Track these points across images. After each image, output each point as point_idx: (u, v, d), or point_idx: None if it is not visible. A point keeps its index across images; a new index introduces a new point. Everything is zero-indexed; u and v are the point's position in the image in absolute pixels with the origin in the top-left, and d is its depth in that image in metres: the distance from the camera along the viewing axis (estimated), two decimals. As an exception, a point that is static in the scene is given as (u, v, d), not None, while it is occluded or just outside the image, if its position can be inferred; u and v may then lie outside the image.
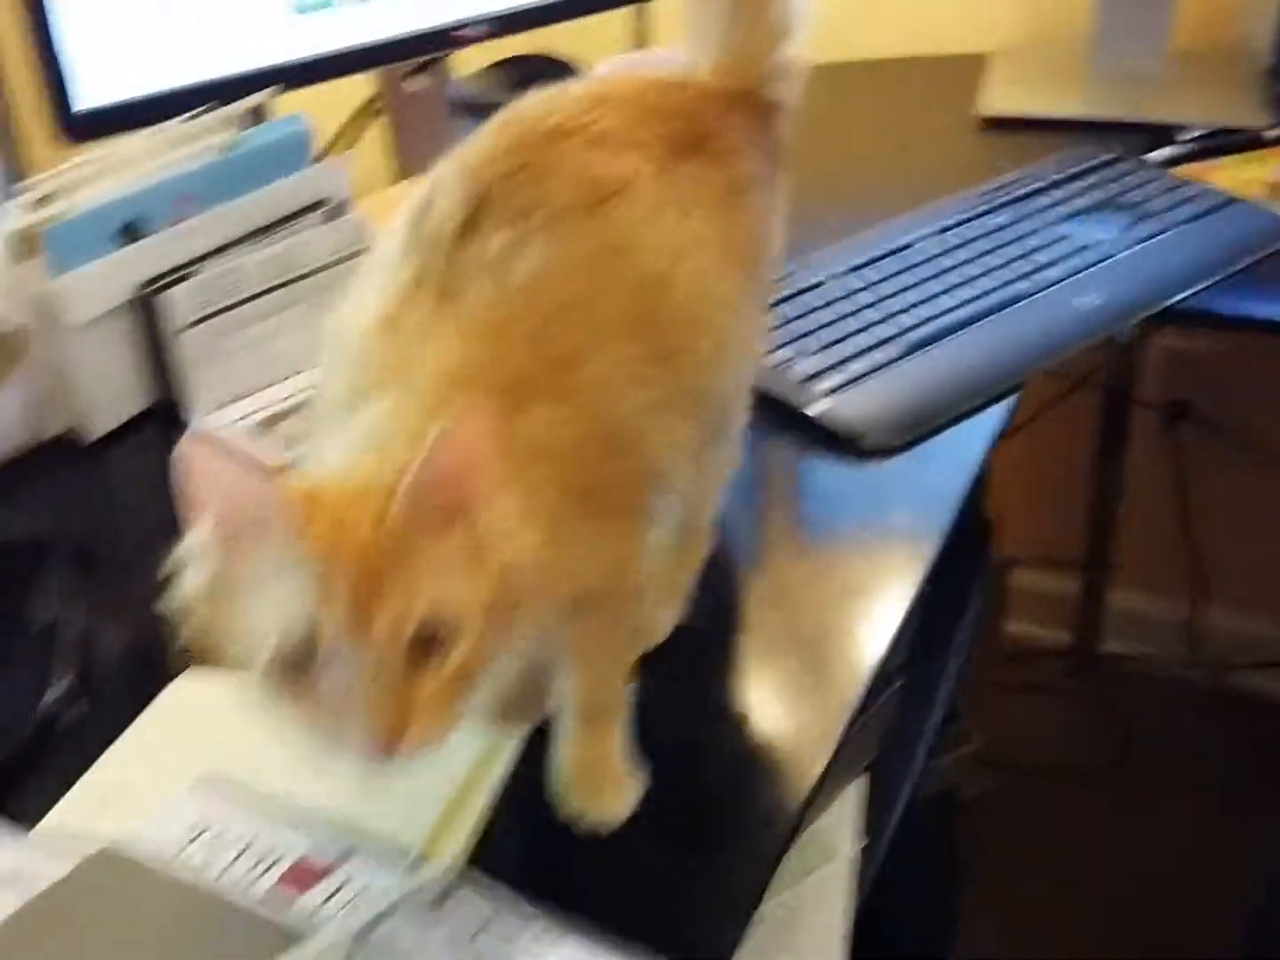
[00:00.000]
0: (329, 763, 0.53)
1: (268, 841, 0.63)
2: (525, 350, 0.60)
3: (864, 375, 1.00)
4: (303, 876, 0.61)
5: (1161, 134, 1.36)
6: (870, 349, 1.03)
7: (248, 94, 1.07)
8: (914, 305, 1.08)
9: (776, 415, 0.98)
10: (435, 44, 1.23)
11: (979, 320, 1.06)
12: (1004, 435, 1.72)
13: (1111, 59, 1.50)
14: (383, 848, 0.62)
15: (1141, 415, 1.81)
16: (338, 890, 0.60)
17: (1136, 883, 1.68)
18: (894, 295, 1.10)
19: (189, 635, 0.55)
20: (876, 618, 0.80)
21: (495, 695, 0.70)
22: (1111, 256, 1.13)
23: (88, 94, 1.02)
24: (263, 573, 0.52)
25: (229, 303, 1.02)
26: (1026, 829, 1.74)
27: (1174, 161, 1.32)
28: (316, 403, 0.64)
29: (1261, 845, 1.63)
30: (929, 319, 1.06)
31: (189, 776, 0.67)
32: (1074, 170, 1.28)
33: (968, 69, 1.54)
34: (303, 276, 1.04)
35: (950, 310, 1.07)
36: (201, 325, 1.01)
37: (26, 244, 0.93)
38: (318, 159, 1.10)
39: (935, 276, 1.12)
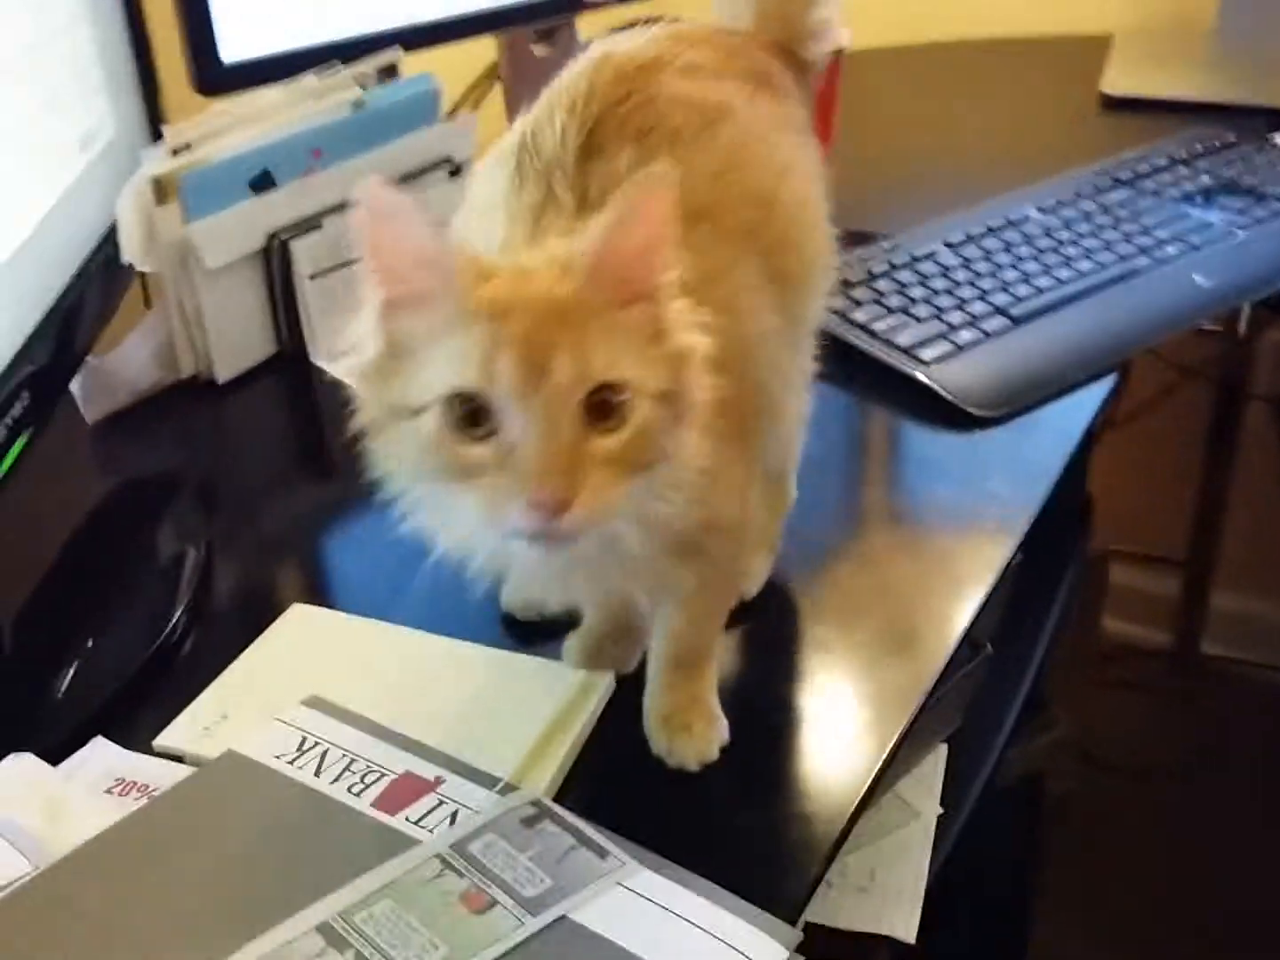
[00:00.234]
0: (495, 535, 0.54)
1: (371, 758, 0.66)
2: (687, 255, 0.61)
3: (971, 344, 1.01)
4: (404, 791, 0.63)
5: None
6: (980, 318, 1.03)
7: (378, 53, 1.10)
8: (1027, 277, 1.08)
9: (880, 380, 0.99)
10: (562, 8, 1.26)
11: (1090, 295, 1.06)
12: (1111, 425, 1.72)
13: (1235, 42, 1.48)
14: (477, 773, 0.65)
15: (1253, 410, 1.78)
16: (437, 806, 0.63)
17: (1225, 888, 1.66)
18: (1008, 267, 1.10)
19: (363, 407, 0.56)
20: (963, 586, 0.81)
21: (593, 635, 0.73)
22: (1227, 238, 1.12)
23: (229, 48, 1.06)
24: (437, 328, 0.53)
25: (352, 256, 1.05)
26: (1116, 828, 1.72)
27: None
28: None
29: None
30: (1041, 291, 1.06)
31: (296, 700, 0.71)
32: (1194, 151, 1.26)
33: (1093, 49, 1.53)
34: (425, 231, 1.07)
35: (1063, 283, 1.07)
36: (325, 276, 1.05)
37: (164, 190, 0.97)
38: (446, 119, 1.13)
39: (1050, 250, 1.12)
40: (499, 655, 0.75)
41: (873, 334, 1.02)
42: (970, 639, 0.87)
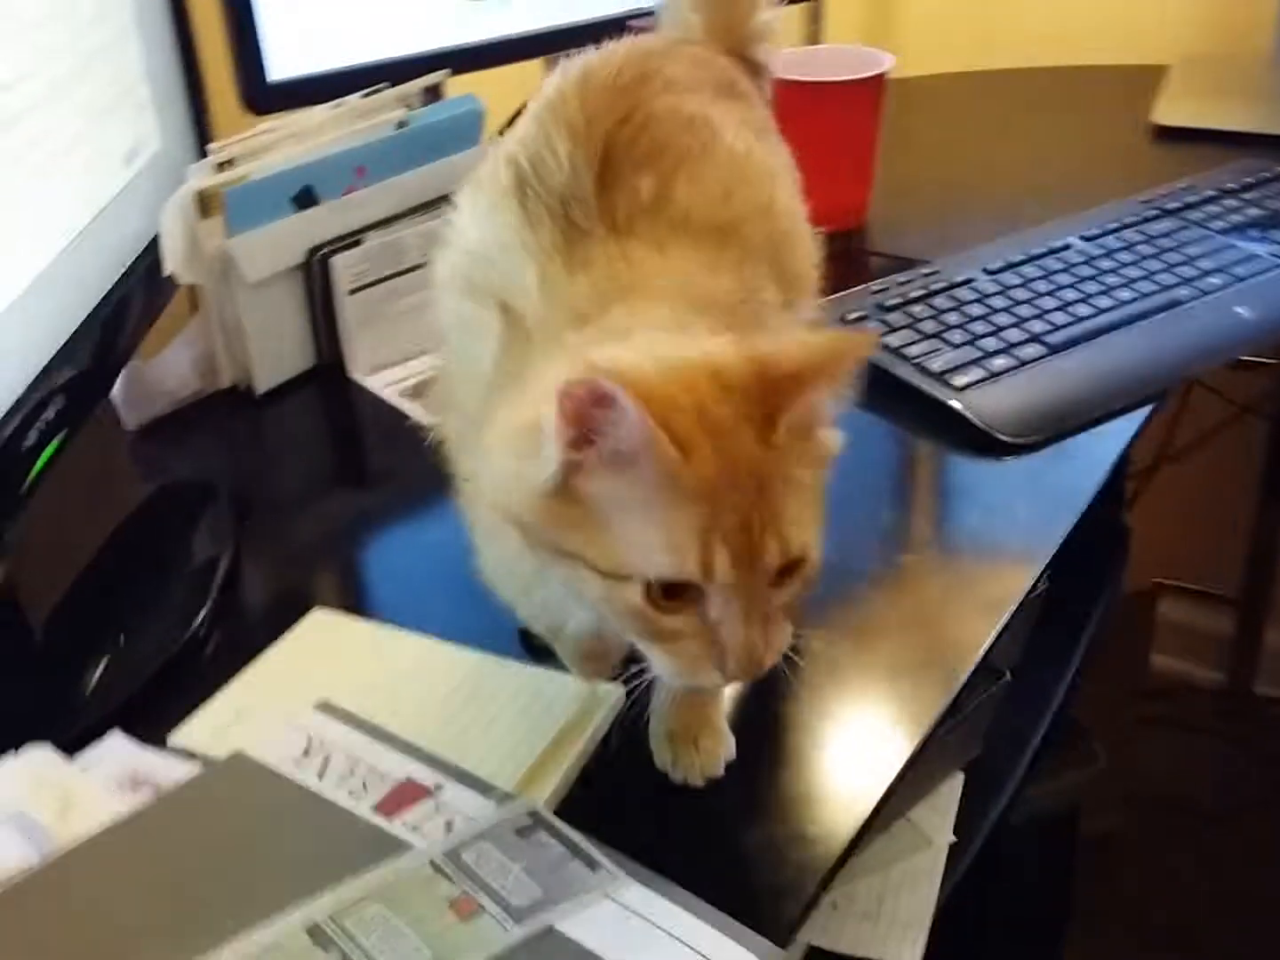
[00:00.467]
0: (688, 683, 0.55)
1: (373, 763, 0.66)
2: (724, 278, 0.63)
3: (1005, 371, 1.00)
4: (403, 797, 0.64)
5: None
6: (1015, 345, 1.03)
7: (424, 74, 1.12)
8: (1065, 305, 1.07)
9: (911, 405, 0.99)
10: (608, 33, 1.26)
11: (1129, 324, 1.05)
12: (1166, 459, 1.70)
13: (1290, 75, 1.46)
14: (476, 781, 0.65)
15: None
16: (434, 812, 0.63)
17: (1271, 932, 1.62)
18: (1046, 294, 1.09)
19: (500, 504, 0.55)
20: (983, 612, 0.80)
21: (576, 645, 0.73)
22: (1272, 270, 1.11)
23: (277, 67, 1.08)
24: (640, 497, 0.51)
25: (390, 272, 1.07)
26: (1158, 866, 1.69)
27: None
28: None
29: None
30: (1079, 319, 1.06)
31: (308, 703, 0.72)
32: (1243, 182, 1.25)
33: (1148, 79, 1.52)
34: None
35: (1101, 312, 1.06)
36: (364, 291, 1.07)
37: (208, 204, 0.99)
38: (490, 140, 1.15)
39: (1090, 278, 1.11)
40: (511, 666, 0.75)
41: (905, 358, 1.02)
42: (989, 666, 0.86)
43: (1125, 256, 1.14)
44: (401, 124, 1.08)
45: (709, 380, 0.52)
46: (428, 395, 1.04)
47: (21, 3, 0.80)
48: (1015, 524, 0.88)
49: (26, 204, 0.80)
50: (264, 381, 1.07)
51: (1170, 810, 1.72)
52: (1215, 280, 1.09)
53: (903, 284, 1.12)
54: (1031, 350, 1.02)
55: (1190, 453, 1.69)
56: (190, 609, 0.85)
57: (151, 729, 0.73)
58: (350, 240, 1.06)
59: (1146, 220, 1.19)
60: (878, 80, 1.23)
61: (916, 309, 1.08)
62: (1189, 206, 1.21)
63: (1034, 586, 0.83)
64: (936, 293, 1.10)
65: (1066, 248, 1.16)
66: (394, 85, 1.11)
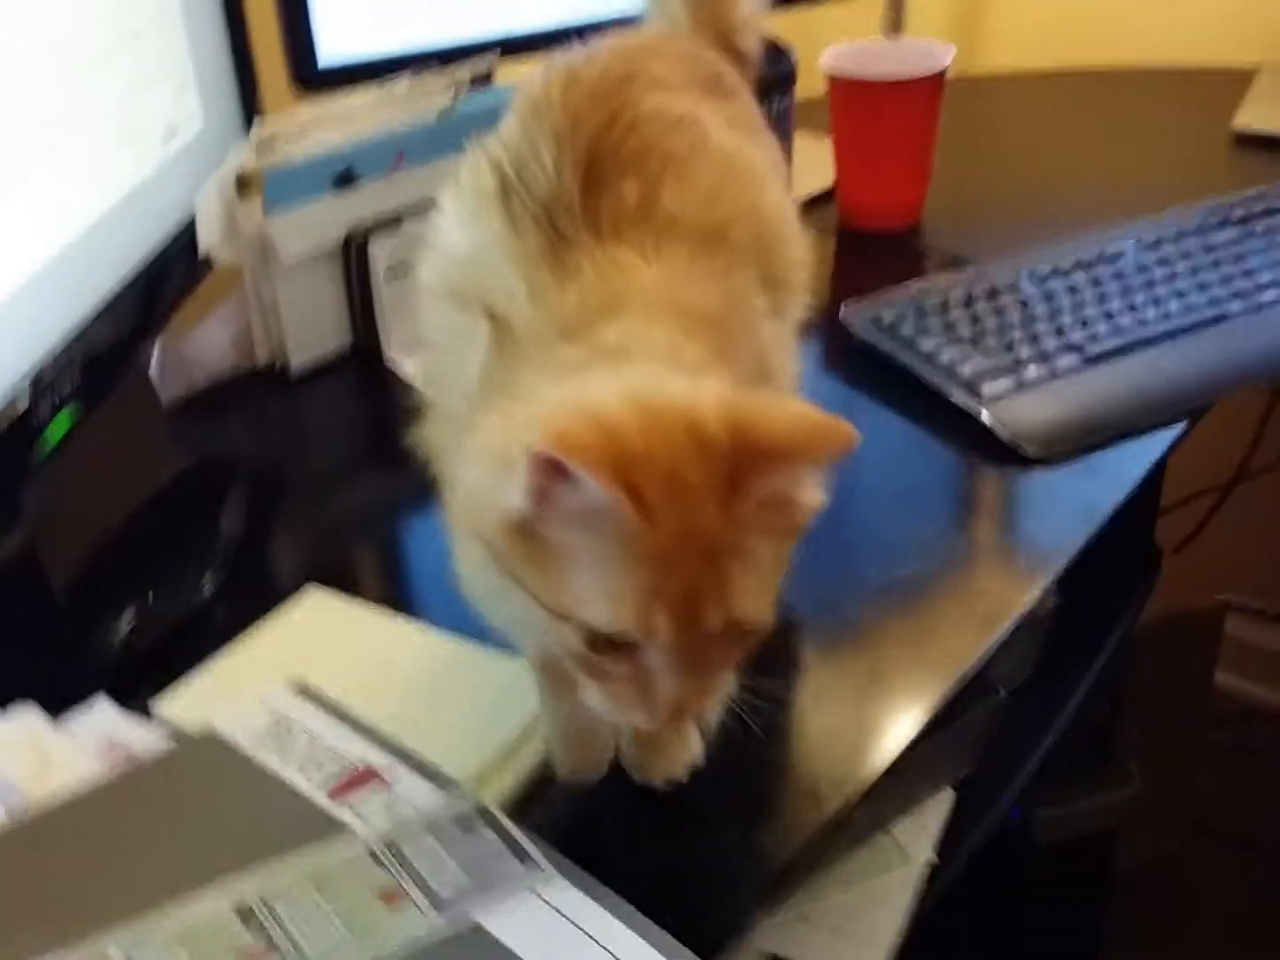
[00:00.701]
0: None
1: (334, 745, 0.67)
2: (713, 285, 0.62)
3: (1037, 381, 0.98)
4: (356, 781, 0.65)
5: None
6: (1051, 355, 1.00)
7: (469, 59, 1.12)
8: (1110, 315, 1.04)
9: (934, 410, 0.97)
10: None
11: (1172, 338, 1.02)
12: (1243, 477, 1.64)
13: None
14: (430, 770, 0.65)
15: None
16: (383, 799, 0.64)
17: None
18: (1091, 303, 1.06)
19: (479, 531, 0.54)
20: (980, 626, 0.78)
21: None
22: (1336, 286, 1.06)
23: (327, 49, 1.10)
24: (594, 550, 0.50)
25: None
26: (1216, 897, 1.64)
27: None
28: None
29: None
30: (1121, 330, 1.03)
31: (286, 680, 0.73)
32: (1316, 193, 1.20)
33: (1234, 84, 1.46)
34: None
35: (1145, 324, 1.03)
36: (402, 275, 1.07)
37: (247, 184, 1.00)
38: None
39: (1140, 288, 1.08)
40: (489, 658, 0.75)
41: (934, 363, 1.00)
42: (985, 682, 0.85)
43: (1181, 267, 1.10)
44: (445, 111, 1.09)
45: (686, 435, 0.50)
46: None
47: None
48: (1025, 538, 0.86)
49: (56, 176, 0.82)
50: (299, 361, 1.08)
51: (1226, 840, 1.67)
52: (1269, 295, 1.05)
53: (944, 286, 1.09)
54: (1067, 361, 0.99)
55: (1267, 470, 1.63)
56: (199, 582, 0.87)
57: (144, 696, 0.75)
58: (389, 224, 1.07)
59: (1208, 229, 1.15)
60: (935, 77, 1.20)
61: (955, 313, 1.06)
62: (1256, 216, 1.17)
63: (1037, 603, 0.81)
64: (978, 297, 1.08)
65: (1121, 255, 1.12)
66: (444, 70, 1.12)
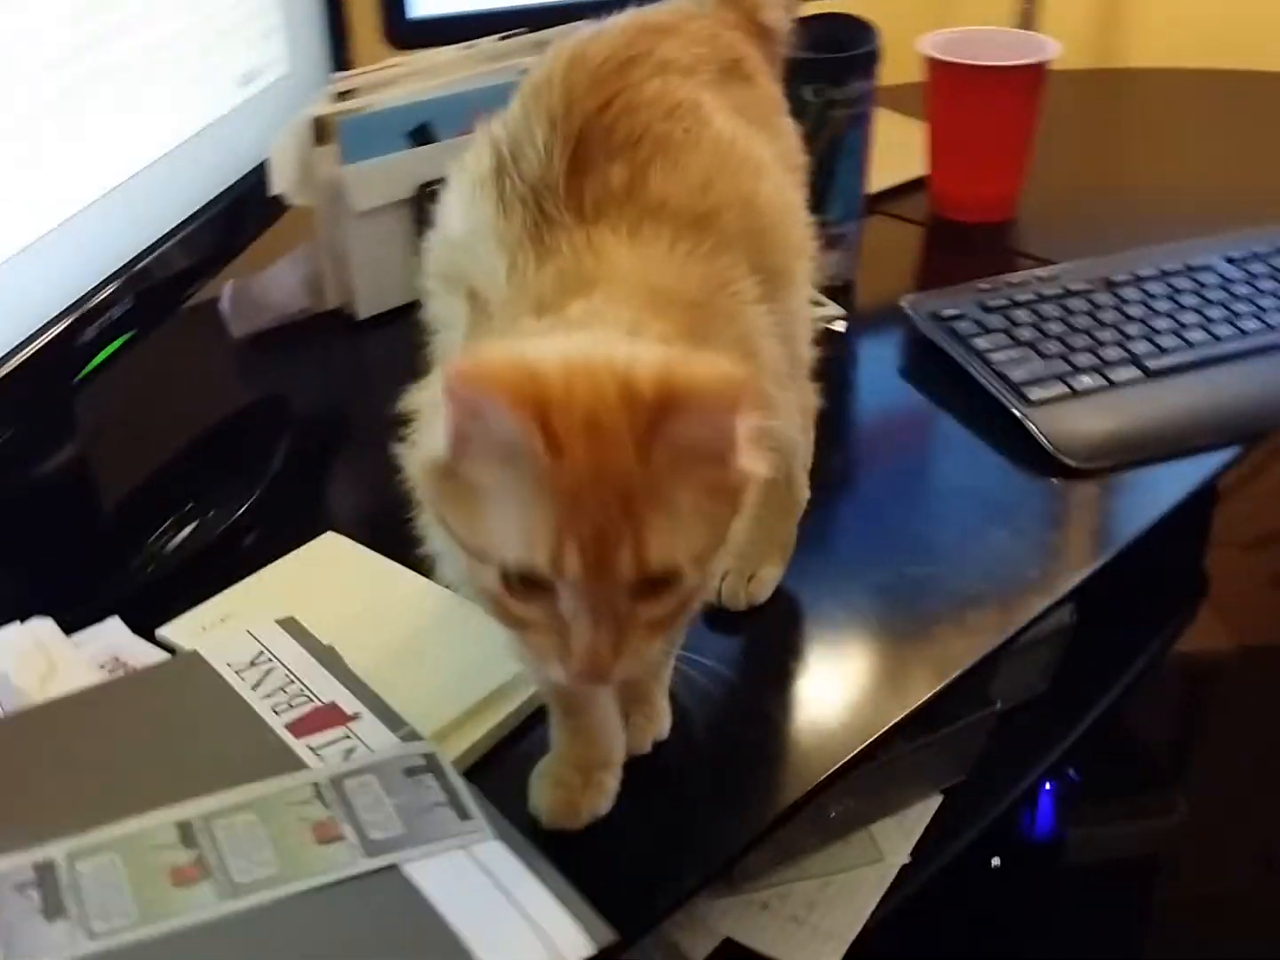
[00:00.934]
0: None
1: (308, 683, 0.69)
2: (695, 269, 0.62)
3: (1089, 391, 0.96)
4: (320, 720, 0.67)
5: None
6: (1109, 365, 0.98)
7: (562, 22, 1.13)
8: (1181, 329, 1.01)
9: (981, 410, 0.95)
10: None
11: (1242, 358, 0.99)
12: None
13: None
14: (392, 717, 0.67)
15: None
16: (341, 739, 0.65)
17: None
18: (1163, 315, 1.03)
19: (418, 493, 0.56)
20: (976, 634, 0.77)
21: None
22: None
23: (417, 4, 1.11)
24: (509, 486, 0.51)
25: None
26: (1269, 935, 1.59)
27: None
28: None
29: None
30: (1190, 346, 1.00)
31: (283, 617, 0.75)
32: None
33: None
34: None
35: (1217, 341, 1.00)
36: (471, 231, 1.09)
37: (324, 131, 1.03)
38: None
39: (1219, 304, 1.04)
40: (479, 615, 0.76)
41: (987, 362, 0.98)
42: (981, 693, 0.83)
43: (1267, 285, 1.06)
44: (525, 72, 1.09)
45: (612, 385, 0.51)
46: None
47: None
48: (1047, 550, 0.84)
49: (126, 106, 0.85)
50: (366, 308, 1.11)
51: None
52: (1353, 324, 1.01)
53: (1013, 285, 1.07)
54: (1125, 372, 0.97)
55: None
56: (233, 516, 0.90)
57: (158, 619, 0.79)
58: (463, 180, 1.08)
59: (1304, 249, 1.11)
60: (1038, 68, 1.17)
61: (1019, 313, 1.03)
62: (1359, 240, 1.12)
63: (1042, 619, 0.79)
64: (1047, 299, 1.05)
65: (1206, 268, 1.09)
66: (532, 32, 1.12)
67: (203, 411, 1.03)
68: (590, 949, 0.56)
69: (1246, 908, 1.53)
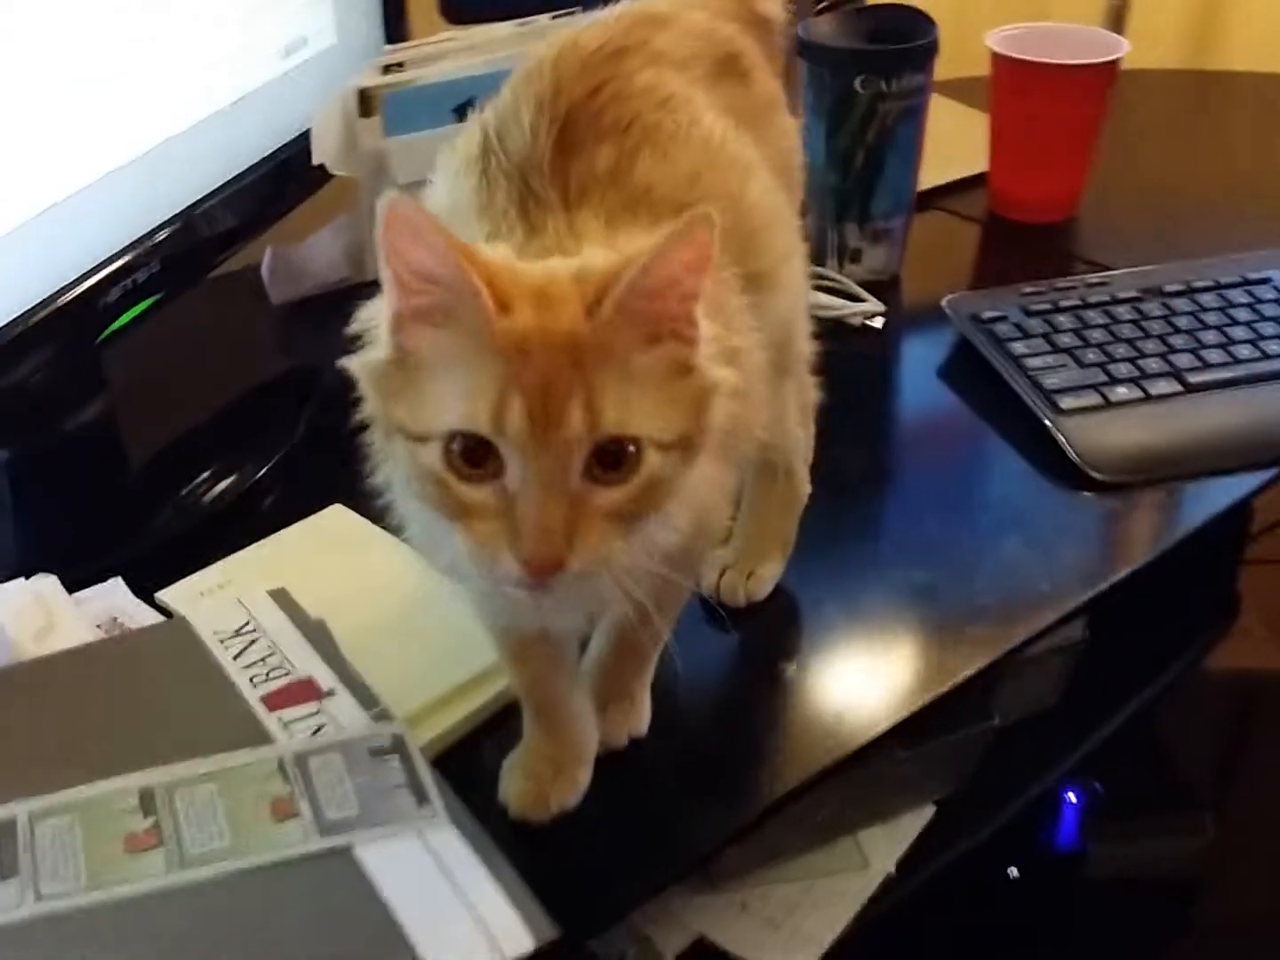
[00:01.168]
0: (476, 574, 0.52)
1: (288, 655, 0.70)
2: None
3: (1124, 402, 0.93)
4: (294, 694, 0.67)
5: None
6: (1149, 377, 0.95)
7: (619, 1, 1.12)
8: (1228, 343, 0.98)
9: (1011, 416, 0.93)
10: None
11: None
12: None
13: None
14: (367, 695, 0.67)
15: None
16: (313, 714, 0.66)
17: None
18: (1212, 328, 1.00)
19: (367, 403, 0.54)
20: (976, 646, 0.76)
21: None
22: None
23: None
24: (452, 353, 0.50)
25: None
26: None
27: None
28: None
29: None
30: (1236, 361, 0.96)
31: (276, 587, 0.76)
32: None
33: None
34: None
35: (1266, 358, 0.97)
36: (513, 209, 1.08)
37: (369, 103, 1.03)
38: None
39: (1273, 319, 1.01)
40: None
41: (1021, 367, 0.96)
42: (979, 705, 0.82)
43: (1326, 302, 1.02)
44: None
45: (569, 276, 0.51)
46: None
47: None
48: (1055, 564, 0.81)
49: (163, 72, 0.86)
50: (405, 281, 1.11)
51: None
52: None
53: (1060, 289, 1.04)
54: (1164, 385, 0.94)
55: None
56: (247, 483, 0.91)
57: (159, 582, 0.80)
58: (507, 157, 1.08)
59: (1376, 267, 1.06)
60: (1104, 68, 1.14)
61: (1061, 319, 1.01)
62: None
63: (1045, 634, 0.77)
64: (1092, 305, 1.02)
65: (1265, 281, 1.05)
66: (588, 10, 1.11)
67: (235, 376, 1.04)
68: (530, 945, 0.55)
69: (1274, 935, 1.48)
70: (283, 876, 0.58)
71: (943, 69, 1.25)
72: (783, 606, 0.79)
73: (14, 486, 0.89)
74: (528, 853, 0.64)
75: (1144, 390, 0.93)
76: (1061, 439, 0.90)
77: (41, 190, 0.78)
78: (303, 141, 1.01)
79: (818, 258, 1.12)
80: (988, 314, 1.01)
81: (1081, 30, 1.19)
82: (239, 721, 0.65)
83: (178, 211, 0.90)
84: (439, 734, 0.69)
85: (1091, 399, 0.93)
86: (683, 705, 0.74)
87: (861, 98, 1.04)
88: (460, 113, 1.06)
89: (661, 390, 0.52)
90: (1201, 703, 1.27)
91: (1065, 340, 0.98)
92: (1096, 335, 0.99)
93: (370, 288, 1.14)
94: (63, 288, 0.81)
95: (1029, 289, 1.04)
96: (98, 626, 0.76)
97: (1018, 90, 1.18)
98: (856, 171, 1.07)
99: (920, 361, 1.05)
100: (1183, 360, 0.96)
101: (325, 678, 0.69)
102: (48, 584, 0.77)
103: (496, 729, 0.71)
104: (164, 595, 0.78)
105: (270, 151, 0.99)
